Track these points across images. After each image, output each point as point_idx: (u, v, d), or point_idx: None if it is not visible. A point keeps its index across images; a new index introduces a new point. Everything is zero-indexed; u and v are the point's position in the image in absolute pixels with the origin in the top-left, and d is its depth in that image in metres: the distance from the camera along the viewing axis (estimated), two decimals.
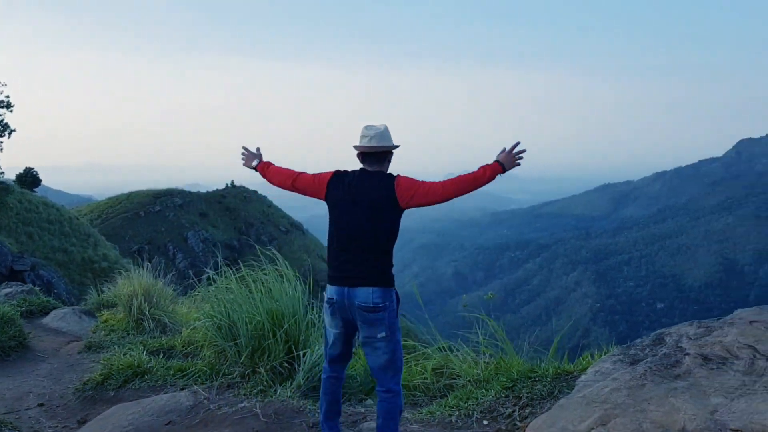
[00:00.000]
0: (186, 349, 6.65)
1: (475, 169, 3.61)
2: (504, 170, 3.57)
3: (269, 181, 3.92)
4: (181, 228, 64.78)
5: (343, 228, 3.52)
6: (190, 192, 74.65)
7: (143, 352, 6.28)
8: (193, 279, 7.12)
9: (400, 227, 3.54)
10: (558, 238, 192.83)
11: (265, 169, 3.96)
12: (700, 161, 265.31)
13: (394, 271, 3.61)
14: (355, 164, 3.67)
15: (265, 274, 5.58)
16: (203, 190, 79.80)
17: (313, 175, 3.71)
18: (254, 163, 4.02)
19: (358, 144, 3.60)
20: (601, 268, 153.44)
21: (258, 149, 4.11)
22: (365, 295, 3.42)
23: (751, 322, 4.17)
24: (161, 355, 6.33)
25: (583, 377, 3.98)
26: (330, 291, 3.54)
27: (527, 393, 4.20)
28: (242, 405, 4.56)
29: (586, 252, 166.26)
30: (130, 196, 67.45)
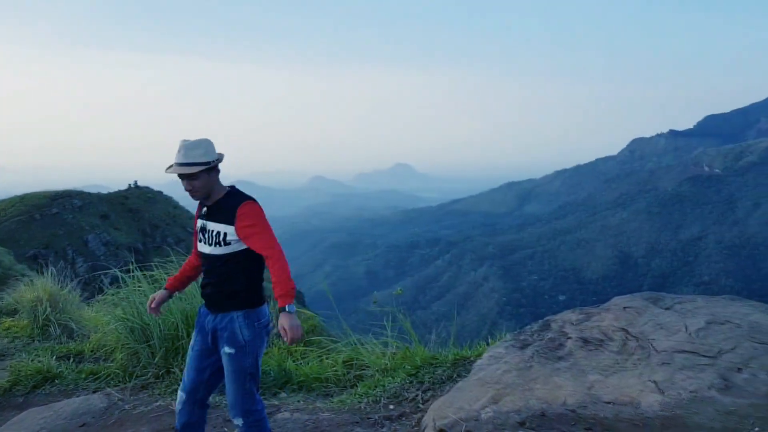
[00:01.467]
0: (95, 353, 6.60)
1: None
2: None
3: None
4: (80, 231, 61.80)
5: None
6: (90, 193, 71.30)
7: (52, 358, 6.20)
8: (101, 282, 7.06)
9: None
10: (466, 235, 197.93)
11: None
12: (597, 159, 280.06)
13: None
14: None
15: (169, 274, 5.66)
16: (104, 191, 76.43)
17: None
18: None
19: (220, 156, 3.34)
20: (507, 264, 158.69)
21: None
22: None
23: (624, 308, 4.70)
24: (71, 360, 6.27)
25: (479, 362, 4.37)
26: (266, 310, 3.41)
27: (429, 378, 4.57)
28: (158, 404, 4.67)
29: (493, 248, 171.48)
30: (24, 198, 63.64)
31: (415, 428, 3.90)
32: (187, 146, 3.21)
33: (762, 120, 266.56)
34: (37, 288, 8.44)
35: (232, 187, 3.38)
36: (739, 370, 3.90)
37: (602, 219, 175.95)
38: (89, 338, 7.36)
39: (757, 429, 3.27)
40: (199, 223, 3.36)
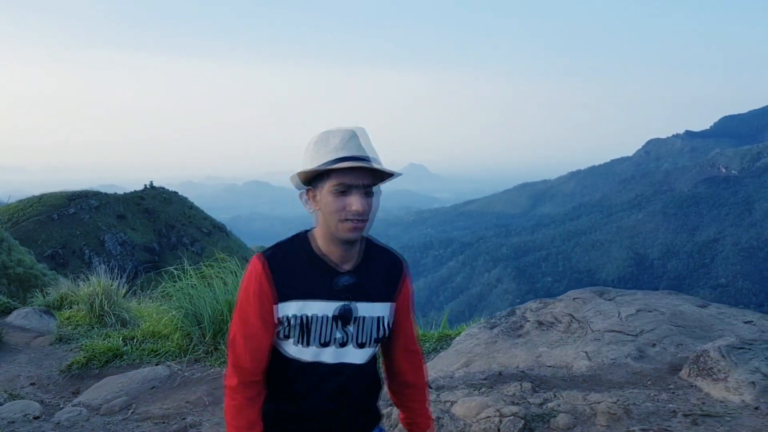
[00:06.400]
0: (152, 337, 7.96)
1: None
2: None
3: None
4: (97, 231, 63.04)
5: None
6: (106, 193, 72.38)
7: (119, 339, 7.57)
8: (152, 274, 8.41)
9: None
10: (480, 236, 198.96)
11: None
12: (612, 160, 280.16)
13: None
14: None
15: (215, 269, 6.99)
16: (120, 191, 77.51)
17: None
18: None
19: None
20: (521, 265, 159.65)
21: None
22: None
23: (574, 298, 5.98)
24: (134, 341, 7.64)
25: (457, 338, 5.69)
26: None
27: None
28: (212, 370, 6.01)
29: (507, 249, 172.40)
30: (42, 199, 64.91)
31: None
32: (364, 137, 1.76)
33: None
34: (92, 283, 9.88)
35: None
36: (654, 345, 5.16)
37: (617, 220, 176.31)
38: (139, 326, 8.74)
39: (649, 382, 4.54)
40: (327, 307, 1.73)
